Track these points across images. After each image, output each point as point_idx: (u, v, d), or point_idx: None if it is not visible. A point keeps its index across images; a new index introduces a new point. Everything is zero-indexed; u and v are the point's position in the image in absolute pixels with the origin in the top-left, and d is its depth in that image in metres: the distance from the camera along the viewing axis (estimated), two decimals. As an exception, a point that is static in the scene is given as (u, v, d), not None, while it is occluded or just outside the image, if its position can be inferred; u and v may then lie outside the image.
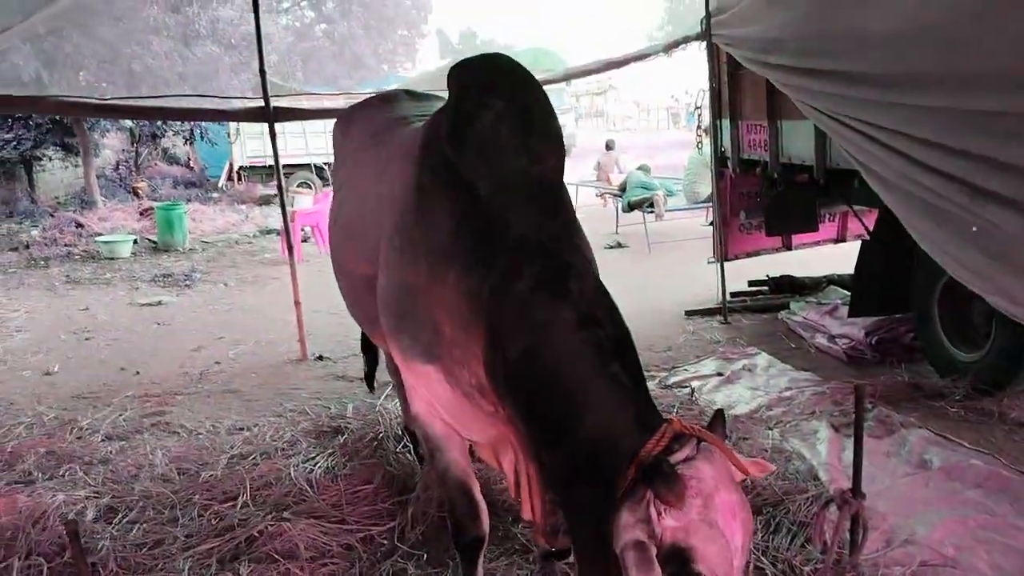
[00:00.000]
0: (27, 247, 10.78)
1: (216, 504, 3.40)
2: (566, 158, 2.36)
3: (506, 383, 2.05)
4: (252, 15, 6.04)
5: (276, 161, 5.75)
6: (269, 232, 12.49)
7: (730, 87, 6.21)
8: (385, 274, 2.36)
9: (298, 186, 14.62)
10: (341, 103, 6.44)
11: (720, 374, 4.82)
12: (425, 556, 2.94)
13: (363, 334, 3.90)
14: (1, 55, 7.76)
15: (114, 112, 6.57)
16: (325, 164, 16.53)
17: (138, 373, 5.50)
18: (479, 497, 2.51)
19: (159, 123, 16.15)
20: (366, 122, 3.16)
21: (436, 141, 2.29)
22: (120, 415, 4.63)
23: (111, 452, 4.06)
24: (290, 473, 3.63)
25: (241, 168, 16.17)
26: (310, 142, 16.18)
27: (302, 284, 8.34)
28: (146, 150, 17.48)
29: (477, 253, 2.09)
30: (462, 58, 2.48)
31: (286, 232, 9.43)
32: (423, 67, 22.69)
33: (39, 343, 6.32)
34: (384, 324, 2.39)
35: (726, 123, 6.38)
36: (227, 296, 7.99)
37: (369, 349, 3.90)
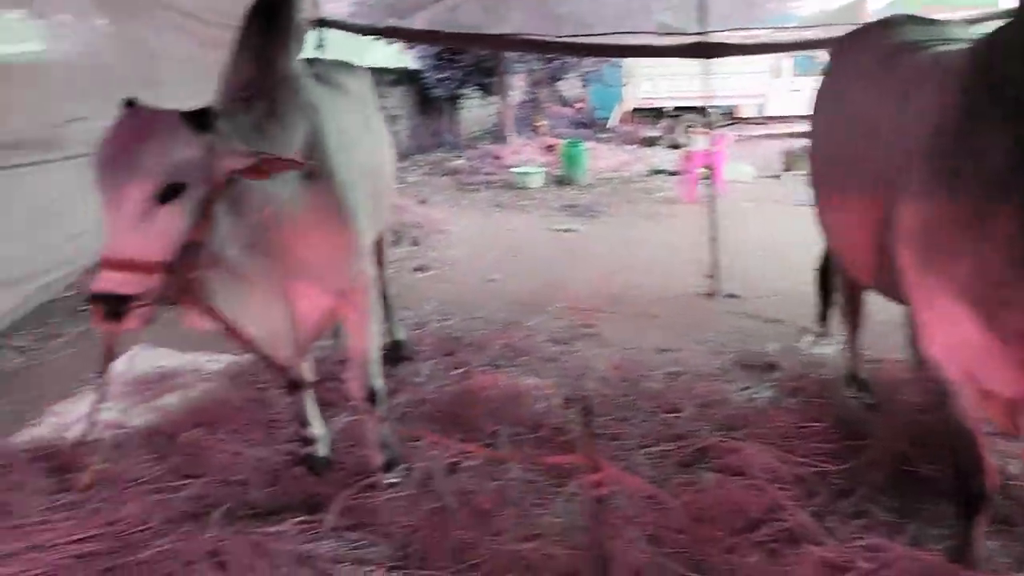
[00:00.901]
0: (455, 173, 12.44)
1: (662, 413, 3.63)
2: None
3: None
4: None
5: (708, 101, 5.72)
6: (659, 172, 12.80)
7: None
8: (911, 206, 2.22)
9: (687, 128, 14.68)
10: (779, 37, 6.25)
11: None
12: (888, 504, 2.82)
13: (821, 273, 3.78)
14: (451, 9, 8.78)
15: (567, 49, 7.12)
16: (711, 107, 16.32)
17: (564, 288, 6.04)
18: (986, 451, 2.31)
19: (558, 64, 17.32)
20: (869, 50, 2.97)
21: (998, 61, 2.06)
22: (555, 322, 5.17)
23: (556, 353, 4.54)
24: (731, 397, 3.74)
25: (635, 109, 16.70)
26: (701, 84, 16.05)
27: (700, 225, 8.46)
28: (544, 92, 18.88)
29: None
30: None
31: (694, 173, 9.62)
32: (821, 5, 20.88)
33: (479, 254, 7.27)
34: (905, 260, 2.25)
35: None
36: (630, 229, 8.38)
37: (826, 289, 3.77)
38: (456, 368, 4.19)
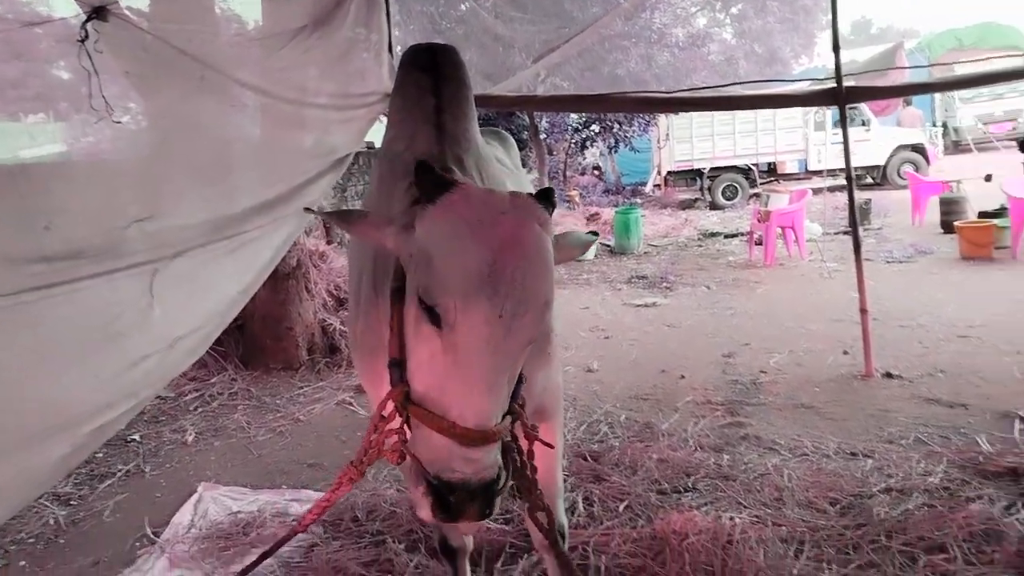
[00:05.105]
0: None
1: (920, 552, 2.75)
2: None
3: None
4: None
5: (846, 149, 4.98)
6: (713, 235, 12.12)
7: None
8: None
9: (765, 185, 14.10)
10: (916, 78, 5.61)
11: None
12: None
13: None
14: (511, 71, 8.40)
15: (683, 104, 6.48)
16: (752, 165, 15.80)
17: (683, 377, 5.20)
18: None
19: (588, 133, 16.90)
20: None
21: None
22: (695, 422, 4.32)
23: (726, 467, 3.67)
24: (1001, 523, 2.85)
25: (669, 173, 16.14)
26: (739, 142, 15.57)
27: (797, 291, 7.68)
28: (573, 160, 18.44)
29: None
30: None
31: (774, 234, 8.87)
32: (852, 55, 20.63)
33: (563, 338, 6.45)
34: None
35: None
36: (718, 300, 7.57)
37: None
38: (618, 499, 3.32)
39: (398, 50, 5.29)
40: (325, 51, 4.39)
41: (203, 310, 3.55)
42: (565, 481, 3.49)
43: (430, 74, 2.00)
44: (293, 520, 3.50)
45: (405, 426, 1.46)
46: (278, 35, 4.03)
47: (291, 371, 5.68)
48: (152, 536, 3.48)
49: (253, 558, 3.22)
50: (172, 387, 5.19)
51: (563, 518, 2.30)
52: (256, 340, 5.77)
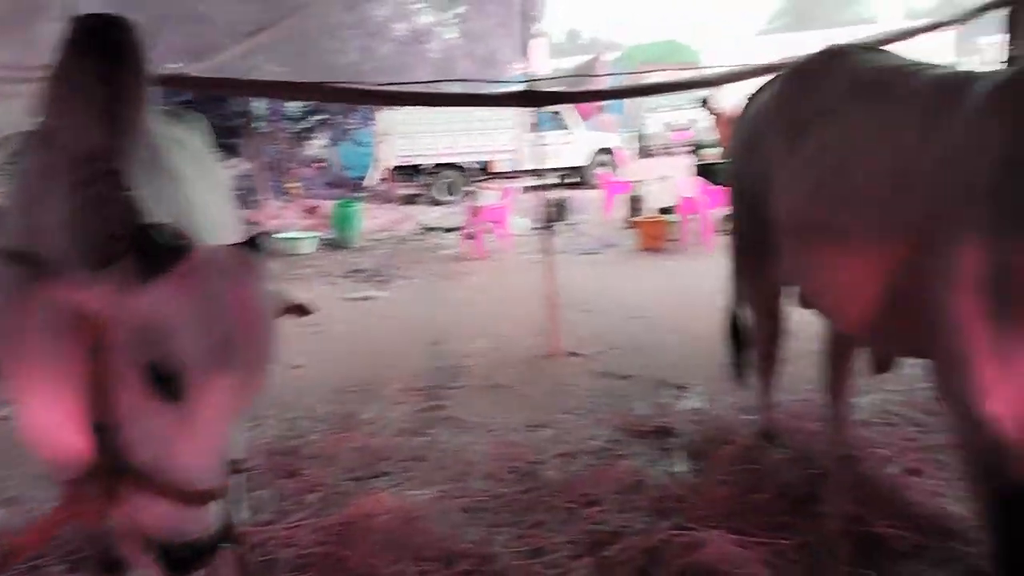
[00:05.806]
0: (209, 244, 11.04)
1: (580, 507, 3.09)
2: None
3: None
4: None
5: (541, 151, 5.40)
6: (432, 229, 12.46)
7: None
8: (980, 250, 1.90)
9: (479, 183, 14.69)
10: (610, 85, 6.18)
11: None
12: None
13: (733, 319, 3.45)
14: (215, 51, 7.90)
15: (385, 99, 6.46)
16: (476, 163, 16.53)
17: (389, 366, 5.31)
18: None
19: (310, 124, 16.54)
20: (841, 76, 2.65)
21: None
22: (397, 409, 4.45)
23: (419, 448, 3.83)
24: (645, 475, 3.30)
25: (396, 167, 16.33)
26: (458, 140, 16.15)
27: (503, 281, 8.16)
28: (293, 151, 17.86)
29: None
30: None
31: (482, 228, 9.31)
32: (556, 64, 22.31)
33: (272, 336, 6.25)
34: (966, 309, 1.92)
35: None
36: (431, 291, 7.83)
37: (739, 338, 3.43)
38: (311, 491, 3.31)
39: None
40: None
41: None
42: (251, 479, 3.40)
43: (100, 52, 1.73)
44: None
45: (107, 492, 1.42)
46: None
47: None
48: None
49: None
50: None
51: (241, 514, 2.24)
52: None
